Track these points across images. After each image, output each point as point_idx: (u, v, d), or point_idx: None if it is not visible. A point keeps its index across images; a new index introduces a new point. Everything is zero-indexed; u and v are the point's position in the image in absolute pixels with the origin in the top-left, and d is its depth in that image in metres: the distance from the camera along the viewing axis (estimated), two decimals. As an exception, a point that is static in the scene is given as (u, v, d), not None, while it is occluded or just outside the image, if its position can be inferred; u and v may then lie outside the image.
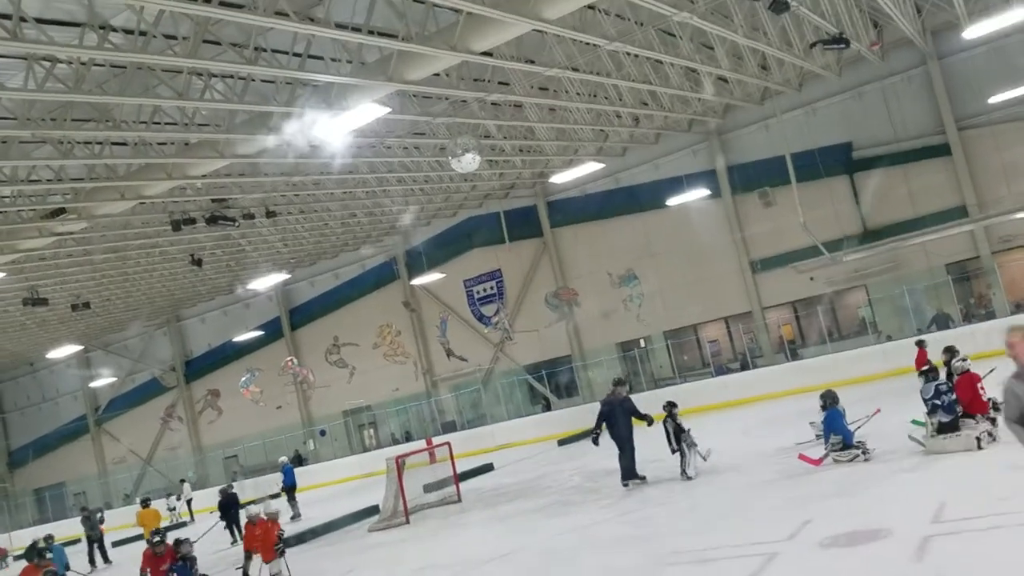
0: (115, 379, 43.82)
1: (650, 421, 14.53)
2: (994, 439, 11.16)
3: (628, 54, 18.34)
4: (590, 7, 15.27)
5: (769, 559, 8.34)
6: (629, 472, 14.36)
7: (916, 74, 25.63)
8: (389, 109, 16.47)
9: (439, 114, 19.34)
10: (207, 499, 28.74)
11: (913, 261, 25.93)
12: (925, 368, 12.41)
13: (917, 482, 10.36)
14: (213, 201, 22.41)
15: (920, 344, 17.54)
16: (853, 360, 23.80)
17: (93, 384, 44.66)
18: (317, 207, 27.42)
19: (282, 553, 12.29)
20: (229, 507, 19.86)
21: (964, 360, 12.43)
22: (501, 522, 14.45)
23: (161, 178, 18.79)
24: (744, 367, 28.04)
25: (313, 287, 38.96)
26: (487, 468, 23.24)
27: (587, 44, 16.74)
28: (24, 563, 24.09)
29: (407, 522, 16.59)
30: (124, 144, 17.13)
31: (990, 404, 11.75)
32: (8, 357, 41.92)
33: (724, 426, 19.70)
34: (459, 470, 19.34)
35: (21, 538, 29.13)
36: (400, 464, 17.53)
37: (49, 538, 18.71)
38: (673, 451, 14.12)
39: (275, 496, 25.57)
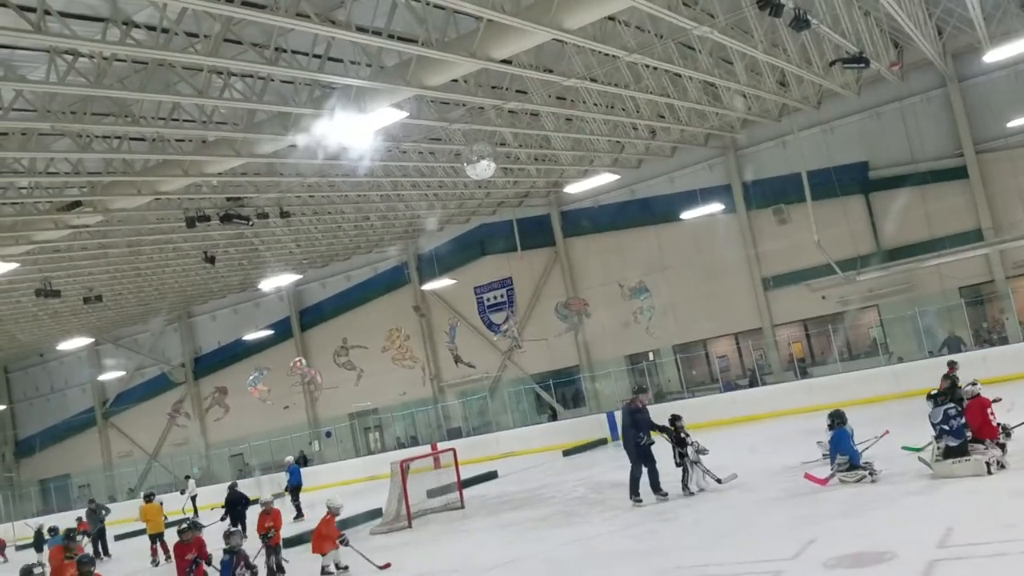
0: (124, 373, 44.04)
1: (663, 430, 14.01)
2: (1003, 466, 11.07)
3: (647, 66, 18.35)
4: (610, 18, 15.30)
5: (772, 577, 8.29)
6: (632, 487, 13.91)
7: (935, 96, 25.55)
8: (407, 113, 16.52)
9: (456, 120, 19.38)
10: (212, 496, 28.81)
11: (927, 283, 25.80)
12: (934, 392, 12.31)
13: (924, 505, 10.27)
14: (228, 199, 22.52)
15: (951, 365, 17.54)
16: (863, 380, 23.68)
17: (102, 377, 44.88)
18: (331, 209, 27.51)
19: (345, 543, 12.46)
20: (236, 504, 19.88)
21: (974, 384, 12.34)
22: (503, 530, 14.41)
23: (178, 175, 18.90)
24: (753, 384, 27.93)
25: (324, 288, 39.05)
26: (491, 476, 23.20)
27: (606, 55, 16.75)
28: (34, 551, 24.21)
29: (409, 526, 16.57)
30: (142, 140, 17.26)
31: (999, 429, 11.67)
32: (19, 347, 42.17)
33: (731, 442, 19.58)
34: (463, 476, 19.29)
35: (25, 528, 29.18)
36: (404, 468, 17.51)
37: (53, 530, 18.77)
38: (677, 465, 14.07)
39: (279, 496, 25.62)
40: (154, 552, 18.96)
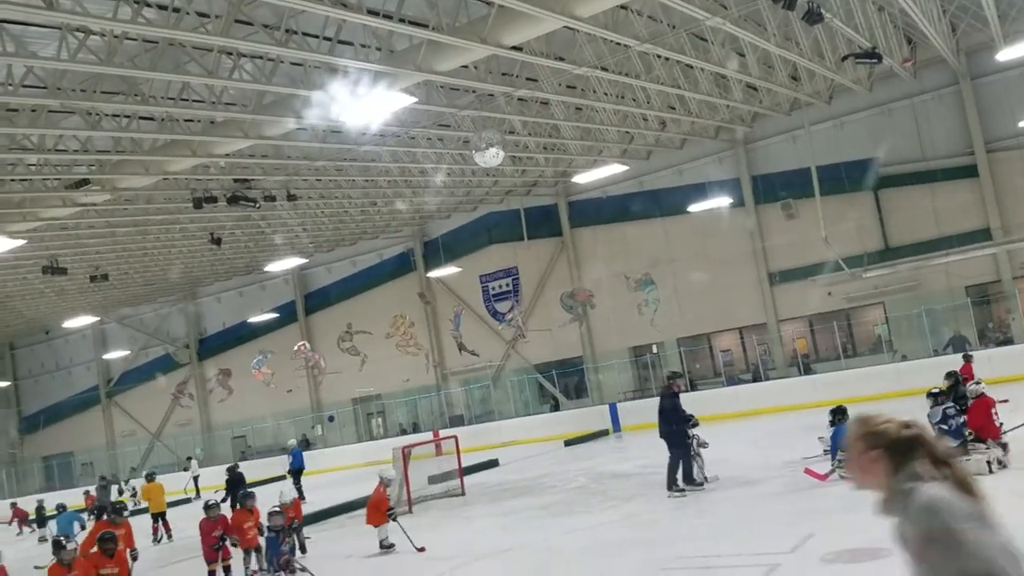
0: (129, 352, 44.20)
1: (691, 422, 13.55)
2: (1004, 465, 11.05)
3: (658, 56, 18.28)
4: (623, 7, 15.24)
5: (770, 570, 8.30)
6: (668, 479, 13.39)
7: (947, 93, 25.41)
8: (416, 99, 16.49)
9: (465, 107, 19.34)
10: (214, 476, 28.92)
11: (933, 281, 25.72)
12: (935, 390, 12.28)
13: (924, 503, 10.24)
14: (235, 181, 22.53)
15: (967, 359, 17.55)
16: (866, 377, 23.63)
17: (107, 356, 45.06)
18: (338, 193, 27.51)
19: (394, 518, 12.44)
20: (237, 486, 19.98)
21: (979, 383, 12.31)
22: (503, 518, 14.44)
23: (186, 155, 18.91)
24: (756, 378, 27.91)
25: (330, 273, 39.10)
26: (492, 464, 23.25)
27: (618, 44, 16.70)
28: (36, 526, 24.29)
29: (410, 512, 16.60)
30: (151, 119, 17.26)
31: (1002, 429, 11.65)
32: (25, 324, 42.35)
33: (733, 436, 19.57)
34: (464, 464, 19.33)
35: (27, 504, 29.34)
36: (406, 454, 17.56)
37: (61, 506, 18.85)
38: None
39: (281, 478, 25.74)
40: (155, 530, 19.07)
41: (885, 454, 2.72)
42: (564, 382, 33.76)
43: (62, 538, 9.17)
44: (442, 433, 24.53)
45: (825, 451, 13.38)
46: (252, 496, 12.21)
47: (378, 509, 12.45)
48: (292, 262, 34.17)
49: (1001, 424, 11.60)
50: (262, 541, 11.58)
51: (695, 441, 13.94)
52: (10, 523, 28.53)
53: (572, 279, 33.05)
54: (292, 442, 25.39)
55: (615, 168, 26.31)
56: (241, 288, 41.23)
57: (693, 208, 28.38)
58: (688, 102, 23.03)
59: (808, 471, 12.59)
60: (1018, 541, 2.57)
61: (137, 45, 13.70)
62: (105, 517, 12.14)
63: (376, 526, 12.46)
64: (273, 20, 13.38)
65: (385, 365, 37.12)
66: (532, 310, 34.09)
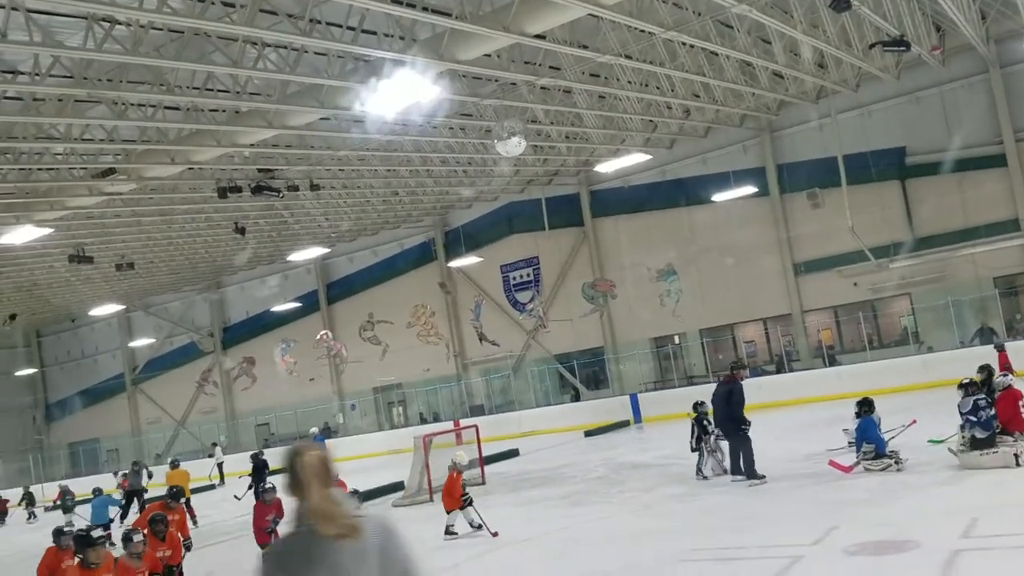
0: (154, 340, 44.67)
1: (742, 420, 13.02)
2: (1033, 459, 10.91)
3: (683, 44, 18.13)
4: (647, -6, 15.10)
5: (793, 562, 8.24)
6: (732, 467, 13.24)
7: (976, 81, 25.02)
8: (439, 88, 16.45)
9: (487, 96, 19.28)
10: (238, 463, 29.18)
11: (961, 272, 25.40)
12: (965, 381, 12.12)
13: (949, 496, 10.16)
14: (259, 171, 22.63)
15: (1000, 348, 17.39)
16: (892, 369, 23.40)
17: (132, 344, 45.56)
18: (360, 183, 27.57)
19: (469, 503, 12.17)
20: (260, 472, 20.16)
21: (1006, 375, 12.14)
22: (523, 507, 14.46)
23: (211, 145, 19.02)
24: (780, 370, 27.71)
25: (352, 263, 39.24)
26: (512, 453, 23.29)
27: (642, 32, 16.55)
28: (61, 512, 24.63)
29: (431, 500, 16.66)
30: (177, 109, 17.36)
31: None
32: (52, 312, 42.86)
33: (756, 428, 19.41)
34: (485, 453, 19.38)
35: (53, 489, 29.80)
36: (427, 443, 17.63)
37: (97, 490, 18.98)
38: (693, 449, 14.06)
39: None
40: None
41: None
42: (585, 372, 33.72)
43: (133, 530, 8.76)
44: (462, 423, 24.62)
45: (850, 443, 13.27)
46: (275, 490, 11.87)
47: (451, 495, 12.20)
48: (315, 251, 34.34)
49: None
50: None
51: (713, 436, 13.90)
52: None
53: (593, 269, 32.95)
54: (313, 430, 25.61)
55: (638, 157, 26.15)
56: (264, 277, 41.48)
57: (717, 197, 28.16)
58: (713, 90, 22.84)
59: (832, 463, 12.50)
60: None
61: (163, 35, 13.77)
62: (169, 502, 11.80)
63: (448, 511, 12.26)
64: (297, 10, 13.40)
65: (406, 354, 37.26)
66: (553, 300, 34.04)
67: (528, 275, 34.77)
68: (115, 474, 27.06)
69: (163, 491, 23.52)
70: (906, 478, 11.37)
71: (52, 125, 16.95)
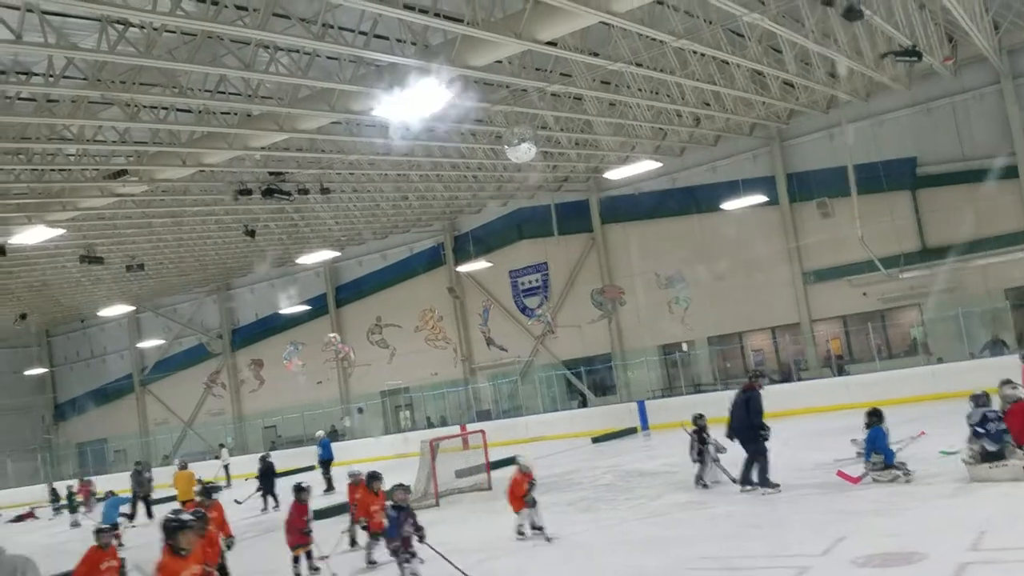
0: (163, 341, 44.84)
1: (761, 427, 12.93)
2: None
3: (694, 52, 18.12)
4: (659, 2, 15.13)
5: (800, 572, 8.22)
6: (742, 476, 13.12)
7: (988, 92, 24.94)
8: (451, 93, 16.47)
9: (498, 101, 19.31)
10: (244, 465, 29.29)
11: (971, 283, 25.28)
12: (977, 393, 12.05)
13: (958, 508, 10.11)
14: (270, 174, 22.71)
15: None
16: (901, 380, 23.31)
17: (141, 345, 45.73)
18: (370, 187, 27.63)
19: (532, 503, 11.70)
20: (267, 475, 20.21)
21: (1015, 388, 12.07)
22: (530, 513, 14.41)
23: (222, 147, 19.10)
24: (788, 379, 27.62)
25: (361, 266, 39.33)
26: (513, 458, 23.19)
27: (653, 40, 16.56)
28: (68, 512, 24.63)
29: (437, 504, 16.69)
30: (189, 111, 17.45)
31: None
32: (62, 312, 43.05)
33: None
34: (491, 459, 19.36)
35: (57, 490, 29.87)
36: (434, 447, 17.62)
37: (110, 493, 19.06)
38: (694, 460, 14.11)
39: (310, 468, 25.96)
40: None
41: None
42: (592, 379, 33.68)
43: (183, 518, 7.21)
44: (469, 427, 24.60)
45: (858, 453, 13.23)
46: (379, 478, 11.76)
47: (515, 496, 11.82)
48: (324, 255, 34.43)
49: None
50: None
51: (712, 447, 13.90)
52: None
53: (602, 276, 32.94)
54: (320, 433, 25.63)
55: (648, 164, 26.13)
56: (273, 280, 41.61)
57: (726, 205, 28.12)
58: (723, 98, 22.82)
59: (840, 473, 12.45)
60: None
61: (176, 37, 13.85)
62: (196, 498, 11.80)
63: (516, 512, 11.87)
64: (310, 14, 13.46)
65: (414, 358, 37.29)
66: (561, 306, 34.03)
67: (537, 280, 34.78)
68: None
69: (169, 492, 23.57)
70: (915, 489, 11.32)
71: (65, 126, 17.05)
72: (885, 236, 25.97)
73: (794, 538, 9.80)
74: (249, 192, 22.14)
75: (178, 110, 17.22)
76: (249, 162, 21.89)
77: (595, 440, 25.89)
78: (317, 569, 11.22)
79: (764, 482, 12.68)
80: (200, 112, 17.36)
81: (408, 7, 12.97)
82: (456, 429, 28.39)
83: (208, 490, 11.62)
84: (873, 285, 26.68)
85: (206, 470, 28.53)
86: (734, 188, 28.39)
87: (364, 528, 11.73)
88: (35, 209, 21.85)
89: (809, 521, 10.54)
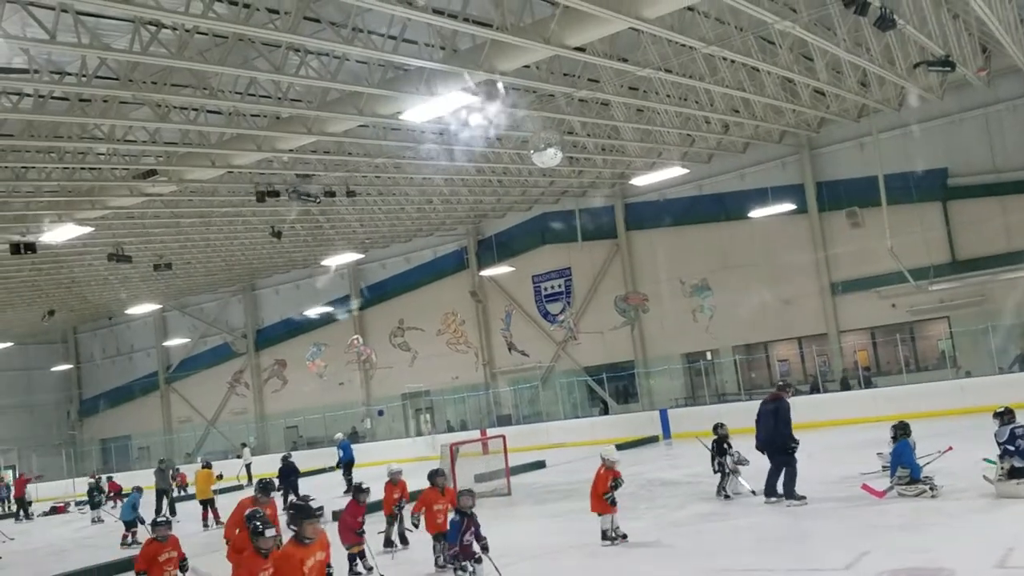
0: (188, 340, 45.23)
1: (791, 438, 12.69)
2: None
3: (724, 59, 18.01)
4: (689, 8, 15.04)
5: (824, 587, 8.11)
6: (767, 488, 12.88)
7: (1022, 104, 24.64)
8: (477, 98, 16.50)
9: (525, 106, 19.30)
10: (266, 464, 29.42)
11: (1001, 297, 24.92)
12: (1001, 410, 11.84)
13: (985, 524, 9.96)
14: (297, 176, 22.85)
15: None
16: (928, 393, 23.03)
17: (167, 343, 46.16)
18: (396, 190, 27.75)
19: (613, 503, 11.06)
20: (288, 475, 20.29)
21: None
22: (549, 519, 14.39)
23: (251, 149, 19.26)
24: (814, 390, 27.31)
25: (385, 269, 39.46)
26: (539, 465, 23.19)
27: (683, 46, 16.49)
28: (89, 508, 24.88)
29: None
30: (218, 113, 17.60)
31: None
32: (89, 309, 43.56)
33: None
34: (511, 464, 19.32)
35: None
36: (454, 451, 17.61)
37: (138, 489, 19.16)
38: (715, 471, 14.00)
39: (330, 469, 26.04)
40: (204, 516, 19.41)
41: None
42: (614, 386, 33.53)
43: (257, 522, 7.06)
44: (490, 432, 24.58)
45: (884, 467, 13.06)
46: (444, 475, 11.22)
47: (596, 493, 11.14)
48: (349, 257, 34.59)
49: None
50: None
51: (732, 459, 13.76)
52: None
53: (626, 282, 32.81)
54: (339, 435, 25.72)
55: (675, 171, 26.01)
56: (298, 281, 41.86)
57: (754, 214, 27.93)
58: (753, 105, 22.66)
59: (865, 487, 12.29)
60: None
61: (207, 40, 13.98)
62: (253, 494, 10.98)
63: (600, 515, 11.22)
64: (340, 18, 13.53)
65: (435, 362, 37.34)
66: (584, 312, 33.94)
67: (560, 286, 34.71)
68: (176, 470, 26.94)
69: (190, 490, 23.66)
70: (941, 505, 11.15)
71: (96, 126, 17.24)
72: (915, 247, 25.67)
73: (817, 552, 9.68)
74: (276, 194, 22.28)
75: (208, 111, 17.37)
76: (277, 164, 22.04)
77: (616, 448, 25.65)
78: (370, 569, 10.98)
79: (790, 494, 12.53)
80: (230, 114, 17.51)
81: (437, 11, 13.00)
82: (476, 434, 28.38)
83: (266, 487, 10.90)
84: (902, 297, 26.39)
85: (228, 469, 28.77)
86: (762, 196, 28.20)
87: (415, 524, 11.17)
88: (65, 207, 22.13)
89: (833, 534, 10.41)
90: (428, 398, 38.05)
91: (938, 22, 17.90)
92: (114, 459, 45.19)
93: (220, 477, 21.75)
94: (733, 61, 18.25)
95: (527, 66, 16.16)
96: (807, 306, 28.45)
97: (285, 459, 20.80)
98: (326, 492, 12.24)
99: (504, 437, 19.59)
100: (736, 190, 29.71)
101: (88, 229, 23.30)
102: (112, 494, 26.94)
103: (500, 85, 16.50)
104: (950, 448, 12.97)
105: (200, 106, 16.79)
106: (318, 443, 36.30)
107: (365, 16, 13.67)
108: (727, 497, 13.66)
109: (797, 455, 12.73)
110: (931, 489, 11.62)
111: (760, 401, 13.70)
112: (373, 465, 31.13)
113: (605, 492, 11.05)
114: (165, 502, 22.09)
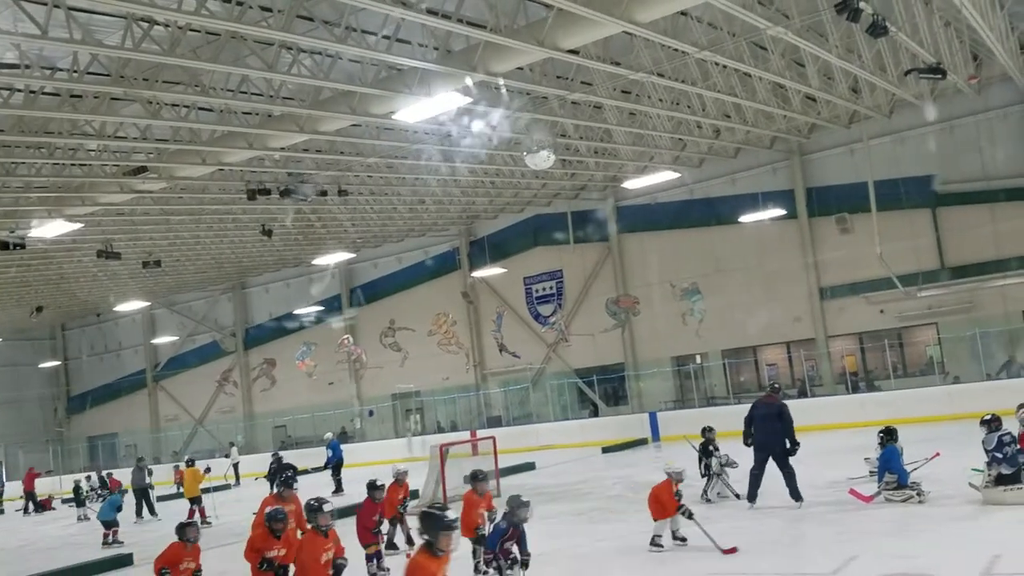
0: (176, 338, 45.04)
1: (792, 443, 12.63)
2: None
3: (716, 64, 18.06)
4: (683, 13, 15.08)
5: (811, 592, 8.13)
6: (750, 493, 12.84)
7: (1013, 112, 24.78)
8: (470, 99, 16.50)
9: (518, 108, 19.31)
10: (254, 464, 29.34)
11: (989, 304, 25.08)
12: (987, 417, 11.89)
13: (971, 530, 10.00)
14: (289, 175, 22.80)
15: None
16: (916, 399, 23.10)
17: (155, 341, 45.96)
18: (388, 190, 27.71)
19: (688, 515, 10.53)
20: (281, 474, 20.20)
21: (1033, 412, 11.92)
22: (538, 522, 14.19)
23: (242, 147, 19.18)
24: (802, 395, 27.41)
25: (376, 269, 39.38)
26: (529, 467, 23.19)
27: (676, 50, 16.53)
28: (75, 506, 24.74)
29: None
30: (210, 110, 17.54)
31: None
32: (78, 305, 43.34)
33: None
34: (501, 465, 19.30)
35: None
36: (443, 452, 17.58)
37: (91, 478, 19.08)
38: (702, 475, 14.01)
39: (317, 470, 25.98)
40: (191, 515, 19.33)
41: None
42: (604, 388, 33.56)
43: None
44: (480, 433, 24.53)
45: (871, 472, 13.10)
46: (485, 478, 10.49)
47: (660, 500, 10.71)
48: (340, 256, 34.51)
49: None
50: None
51: (718, 461, 13.78)
52: None
53: (617, 285, 32.86)
54: (328, 435, 25.66)
55: (666, 175, 26.08)
56: (288, 280, 41.73)
57: (744, 218, 28.02)
58: (744, 111, 22.74)
59: (853, 492, 12.33)
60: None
61: (200, 37, 13.92)
62: (274, 490, 10.34)
63: (655, 520, 10.76)
64: (333, 16, 13.51)
65: (426, 362, 37.29)
66: (575, 314, 33.97)
67: (551, 288, 34.73)
68: (176, 468, 26.88)
69: (171, 489, 23.53)
70: (928, 510, 11.20)
71: (87, 122, 17.16)
72: (904, 253, 25.80)
73: (804, 556, 9.71)
74: (264, 192, 22.19)
75: (200, 109, 17.30)
76: (268, 162, 21.98)
77: (605, 450, 25.79)
78: (387, 570, 10.75)
79: (798, 495, 12.45)
80: (221, 111, 17.45)
81: (431, 12, 12.99)
82: (466, 434, 28.35)
83: (288, 480, 9.99)
84: (890, 303, 26.51)
85: (215, 468, 28.62)
86: (753, 201, 28.29)
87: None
88: (55, 203, 22.03)
89: (820, 539, 10.44)
90: (418, 399, 37.99)
91: (930, 29, 17.99)
92: (101, 457, 44.94)
93: (208, 471, 21.61)
94: (725, 66, 18.30)
95: (520, 68, 16.18)
96: (796, 311, 28.56)
97: (278, 458, 20.77)
98: (314, 493, 12.08)
99: (494, 438, 19.58)
100: (727, 195, 29.79)
101: (77, 225, 23.17)
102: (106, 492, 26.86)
103: (496, 87, 16.53)
104: (937, 454, 13.02)
105: (192, 103, 16.73)
106: (307, 443, 36.20)
107: (359, 15, 13.65)
108: (709, 501, 13.67)
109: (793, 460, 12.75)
110: (918, 495, 11.66)
111: (752, 404, 13.64)
112: (363, 466, 31.14)
113: (679, 506, 10.60)
114: (144, 502, 22.03)
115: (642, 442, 27.33)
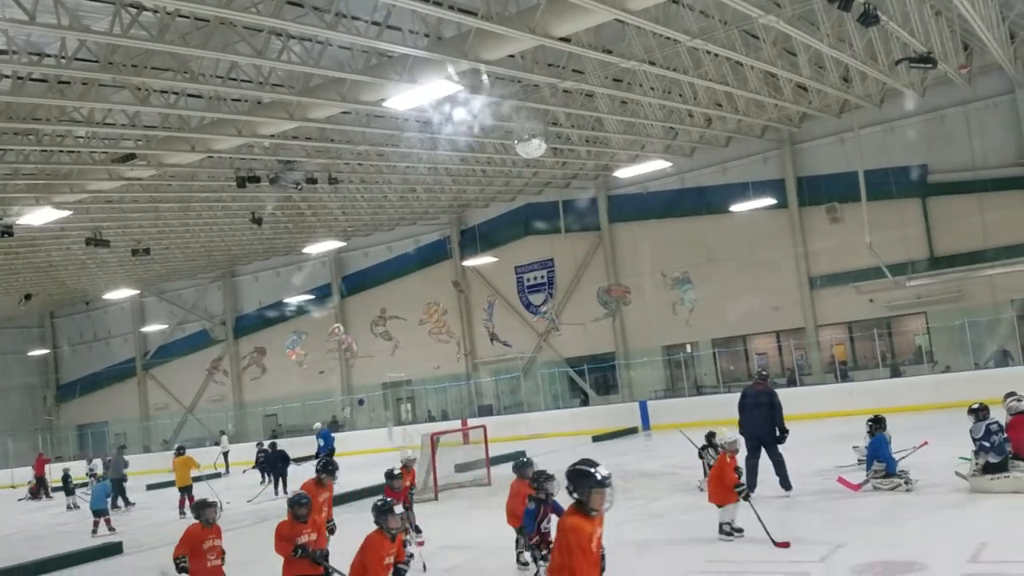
0: (166, 326, 44.90)
1: (782, 430, 12.62)
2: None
3: (708, 53, 18.04)
4: (674, 1, 15.06)
5: (798, 579, 8.17)
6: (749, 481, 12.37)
7: (1003, 101, 24.85)
8: (461, 87, 16.43)
9: (509, 96, 19.25)
10: (244, 452, 29.29)
11: (978, 293, 25.21)
12: (975, 406, 11.95)
13: (959, 519, 10.07)
14: (279, 162, 22.69)
15: None
16: (905, 388, 23.28)
17: (144, 329, 45.81)
18: (379, 178, 27.62)
19: (746, 497, 9.89)
20: (276, 462, 20.26)
21: (1020, 400, 12.00)
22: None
23: (231, 134, 19.07)
24: (791, 383, 27.53)
25: (367, 257, 39.31)
26: (520, 455, 23.17)
27: (667, 39, 16.49)
28: (64, 494, 24.64)
29: (435, 498, 16.67)
30: (199, 97, 17.42)
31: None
32: (66, 293, 43.13)
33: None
34: (491, 454, 19.33)
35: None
36: (434, 441, 17.60)
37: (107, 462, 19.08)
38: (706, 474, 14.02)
39: (308, 459, 25.97)
40: (181, 503, 19.31)
41: None
42: (595, 377, 33.63)
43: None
44: (471, 422, 24.56)
45: (860, 460, 13.18)
46: (530, 465, 9.82)
47: (722, 483, 9.97)
48: (330, 245, 34.42)
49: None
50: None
51: (712, 453, 13.80)
52: None
53: (608, 274, 32.89)
54: (318, 425, 25.67)
55: (657, 164, 26.06)
56: (278, 268, 41.62)
57: (735, 208, 28.08)
58: (736, 100, 22.72)
59: (841, 480, 12.40)
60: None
61: (189, 23, 13.82)
62: (322, 478, 10.10)
63: (720, 506, 10.08)
64: (323, 3, 13.42)
65: (417, 351, 37.28)
66: (566, 303, 33.99)
67: (542, 277, 34.73)
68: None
69: (166, 476, 23.54)
70: (916, 499, 11.26)
71: (75, 108, 17.03)
72: (893, 243, 25.90)
73: (793, 544, 9.74)
74: (254, 180, 22.08)
75: (189, 95, 17.18)
76: (258, 149, 21.87)
77: (596, 439, 25.84)
78: (411, 556, 10.58)
79: (788, 483, 12.52)
80: (210, 98, 17.33)
81: (422, -2, 12.93)
82: (457, 423, 28.38)
83: (329, 466, 9.90)
84: (880, 292, 26.61)
85: (205, 456, 28.57)
86: (744, 190, 28.35)
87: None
88: (43, 190, 21.87)
89: (808, 527, 10.47)
90: (409, 387, 38.00)
91: (921, 19, 18.01)
92: (91, 445, 44.82)
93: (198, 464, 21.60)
94: (717, 55, 18.28)
95: (512, 56, 16.12)
96: (786, 300, 28.66)
97: (273, 446, 20.78)
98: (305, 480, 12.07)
99: (485, 427, 19.58)
100: (718, 184, 29.84)
101: (66, 213, 23.02)
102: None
103: (484, 76, 16.46)
104: (926, 443, 13.10)
105: (180, 90, 16.60)
106: (298, 432, 36.17)
107: (348, 1, 13.57)
108: (702, 490, 13.71)
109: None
110: (906, 483, 11.73)
111: (741, 392, 13.68)
112: (353, 454, 31.16)
113: (738, 484, 9.84)
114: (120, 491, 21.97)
115: (632, 431, 27.40)
